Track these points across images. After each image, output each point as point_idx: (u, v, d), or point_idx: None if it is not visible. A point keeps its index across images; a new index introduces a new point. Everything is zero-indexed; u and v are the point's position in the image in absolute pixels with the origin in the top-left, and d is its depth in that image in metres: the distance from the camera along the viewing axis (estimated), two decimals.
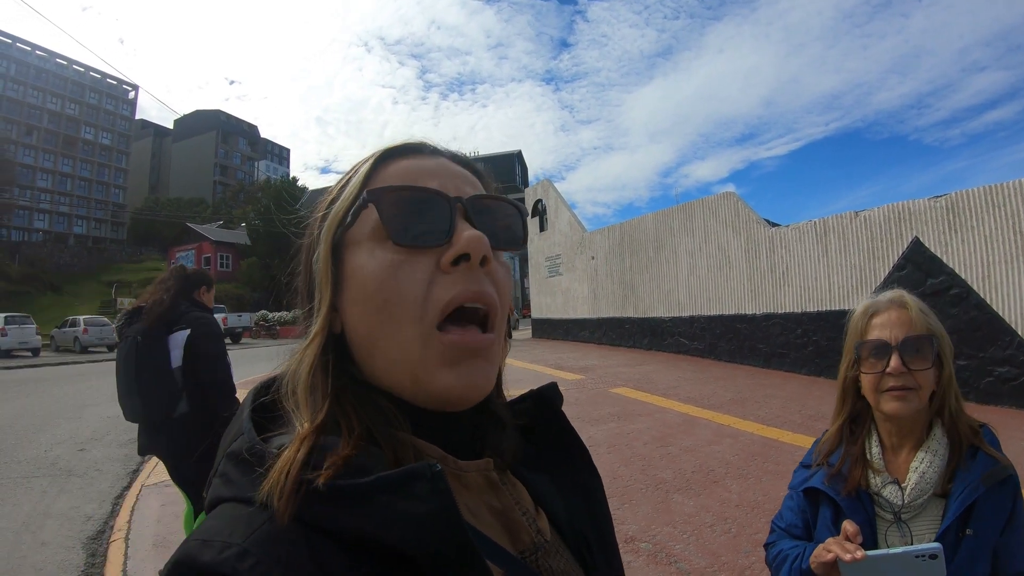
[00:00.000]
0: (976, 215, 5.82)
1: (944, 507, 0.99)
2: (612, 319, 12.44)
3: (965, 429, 1.04)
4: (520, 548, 0.44)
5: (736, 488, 3.67)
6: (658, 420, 5.61)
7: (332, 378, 0.42)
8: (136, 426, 2.67)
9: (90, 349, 22.34)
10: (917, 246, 6.33)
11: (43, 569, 3.17)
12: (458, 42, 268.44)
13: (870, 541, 1.00)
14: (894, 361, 1.01)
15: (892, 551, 0.86)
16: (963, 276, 5.88)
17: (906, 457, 1.05)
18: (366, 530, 0.34)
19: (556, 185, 15.56)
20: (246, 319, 28.39)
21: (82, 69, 62.11)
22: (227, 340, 3.48)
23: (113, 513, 4.07)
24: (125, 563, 3.17)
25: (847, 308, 5.74)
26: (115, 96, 65.56)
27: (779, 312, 8.20)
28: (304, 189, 42.94)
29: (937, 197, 6.22)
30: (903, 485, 1.02)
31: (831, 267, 7.43)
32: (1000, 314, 5.59)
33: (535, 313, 16.60)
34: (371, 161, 0.46)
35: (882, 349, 1.03)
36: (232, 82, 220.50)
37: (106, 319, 24.12)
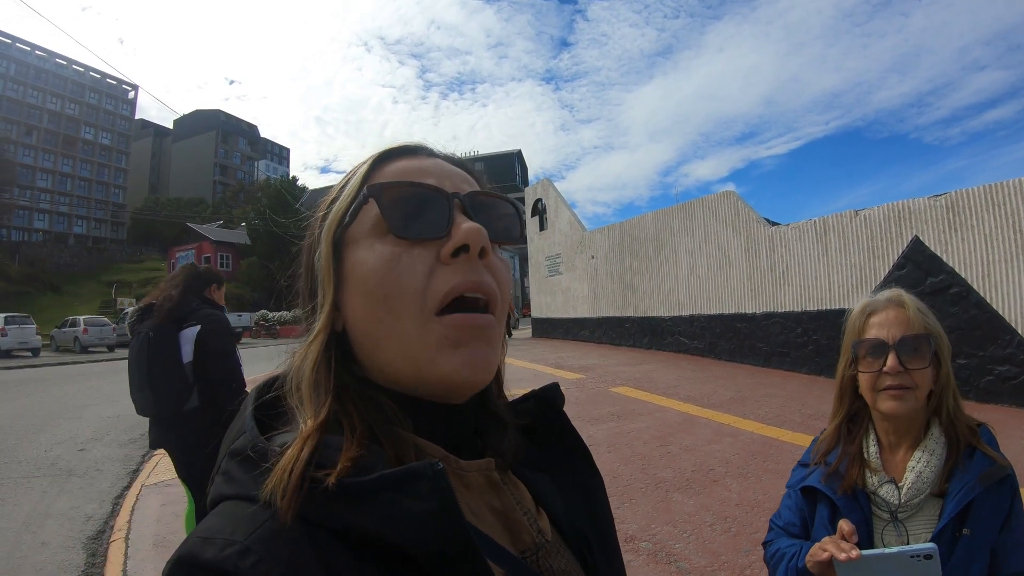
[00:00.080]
0: (976, 214, 5.82)
1: (941, 507, 0.99)
2: (612, 318, 12.43)
3: (963, 428, 1.04)
4: (521, 548, 0.44)
5: (736, 487, 3.67)
6: (658, 419, 5.61)
7: (334, 375, 0.42)
8: (145, 422, 2.72)
9: (90, 349, 22.35)
10: (917, 245, 6.33)
11: (43, 569, 3.17)
12: (458, 42, 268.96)
13: (866, 540, 1.00)
14: (891, 360, 1.01)
15: (887, 551, 0.87)
16: (963, 275, 5.88)
17: (903, 456, 1.05)
18: (368, 528, 0.34)
19: (556, 184, 15.58)
20: (246, 319, 28.42)
21: (82, 69, 62.05)
22: None
23: (113, 513, 4.07)
24: (125, 563, 3.16)
25: (847, 307, 5.62)
26: (115, 96, 65.49)
27: (779, 311, 8.20)
28: (304, 189, 42.78)
29: (937, 196, 6.21)
30: (900, 484, 1.02)
31: (831, 266, 7.43)
32: (1000, 313, 5.59)
33: (535, 312, 16.59)
34: (369, 162, 0.47)
35: (879, 348, 1.03)
36: (232, 82, 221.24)
37: (106, 319, 24.14)
